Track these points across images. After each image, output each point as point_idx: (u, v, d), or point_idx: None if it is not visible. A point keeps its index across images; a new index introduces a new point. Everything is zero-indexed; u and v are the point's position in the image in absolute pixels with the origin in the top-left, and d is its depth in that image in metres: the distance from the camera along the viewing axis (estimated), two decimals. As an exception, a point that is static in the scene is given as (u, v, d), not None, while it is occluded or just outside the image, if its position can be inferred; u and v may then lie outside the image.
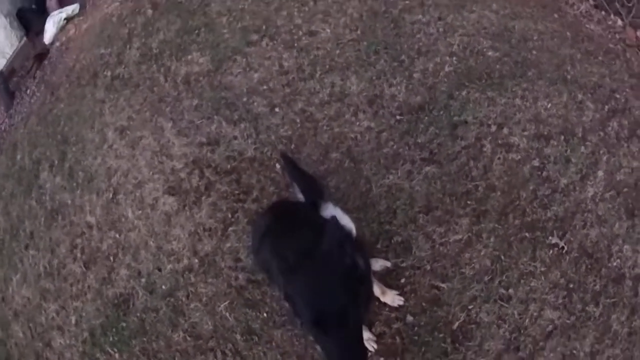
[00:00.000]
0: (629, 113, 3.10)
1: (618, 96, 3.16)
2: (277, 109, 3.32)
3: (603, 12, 3.56)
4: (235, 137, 3.26)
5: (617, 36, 3.45)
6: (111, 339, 2.97)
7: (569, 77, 3.25)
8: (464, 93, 3.22)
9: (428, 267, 2.73)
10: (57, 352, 3.07)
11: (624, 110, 3.12)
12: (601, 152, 2.99)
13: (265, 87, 3.44)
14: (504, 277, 2.70)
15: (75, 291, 3.15)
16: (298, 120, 3.26)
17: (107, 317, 3.01)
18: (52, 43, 4.84)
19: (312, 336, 2.09)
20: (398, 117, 3.20)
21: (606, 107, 3.14)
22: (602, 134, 3.04)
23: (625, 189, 2.89)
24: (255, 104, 3.37)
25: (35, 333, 3.21)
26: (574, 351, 2.57)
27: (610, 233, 2.80)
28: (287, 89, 3.41)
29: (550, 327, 2.62)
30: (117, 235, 3.18)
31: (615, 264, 2.74)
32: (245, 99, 3.38)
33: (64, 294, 3.19)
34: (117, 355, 2.93)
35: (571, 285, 2.69)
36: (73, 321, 3.10)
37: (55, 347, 3.10)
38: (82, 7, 4.64)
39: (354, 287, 1.92)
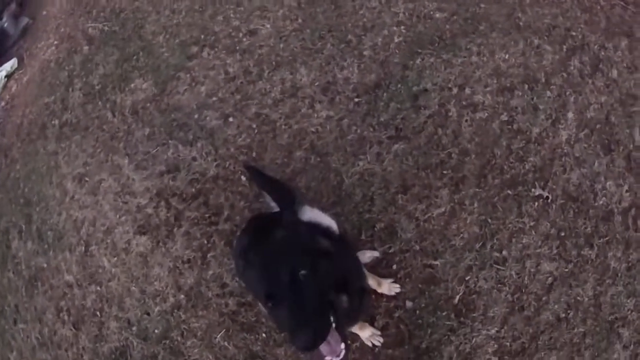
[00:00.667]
0: (587, 49, 3.06)
1: (574, 34, 3.12)
2: (230, 119, 3.23)
3: None
4: (194, 159, 3.16)
5: (565, -30, 3.36)
6: None
7: (521, 23, 3.19)
8: (418, 61, 3.15)
9: (417, 247, 2.68)
10: None
11: (582, 46, 3.08)
12: (567, 93, 2.96)
13: (214, 98, 3.34)
14: (495, 240, 2.66)
15: (72, 356, 3.05)
16: (254, 126, 3.18)
17: None
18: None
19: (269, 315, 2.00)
20: (356, 100, 3.13)
21: (564, 47, 3.09)
22: (565, 74, 3.00)
23: (598, 125, 2.87)
24: (208, 118, 3.27)
25: (44, 410, 3.09)
26: (578, 298, 2.57)
27: (591, 172, 2.78)
28: (237, 95, 3.31)
29: (550, 279, 2.61)
30: (99, 288, 3.09)
31: (601, 202, 2.73)
32: (196, 116, 3.28)
33: None
34: None
35: (562, 234, 2.67)
36: None
37: None
38: (20, 60, 4.44)
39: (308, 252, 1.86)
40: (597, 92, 2.93)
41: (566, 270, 2.61)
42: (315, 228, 2.24)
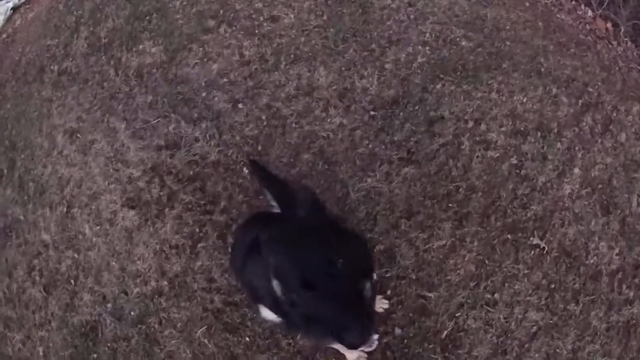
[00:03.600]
0: (601, 107, 3.00)
1: (591, 90, 3.06)
2: (240, 105, 2.99)
3: (573, 2, 3.40)
4: (196, 139, 2.91)
5: (588, 27, 3.33)
6: None
7: (542, 69, 3.10)
8: (438, 86, 3.02)
9: (413, 276, 2.58)
10: None
11: (596, 104, 3.02)
12: (576, 148, 2.90)
13: (225, 79, 3.08)
14: (489, 282, 2.59)
15: (38, 319, 2.79)
16: (264, 117, 2.96)
17: (76, 348, 2.68)
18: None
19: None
20: (372, 113, 2.97)
21: (580, 101, 3.02)
22: (576, 129, 2.94)
23: (600, 186, 2.83)
24: (216, 99, 3.02)
25: (4, 367, 2.81)
26: (557, 350, 2.53)
27: (587, 230, 2.74)
28: (250, 82, 3.07)
29: (535, 328, 2.56)
30: (76, 255, 2.82)
31: (592, 261, 2.69)
32: (204, 94, 3.02)
33: (28, 323, 2.81)
34: None
35: (552, 286, 2.63)
36: (41, 352, 2.75)
37: None
38: (29, -6, 4.01)
39: (339, 238, 1.70)
40: (604, 152, 2.89)
41: (551, 321, 2.57)
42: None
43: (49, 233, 2.91)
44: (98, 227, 2.83)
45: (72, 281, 2.80)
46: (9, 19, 3.88)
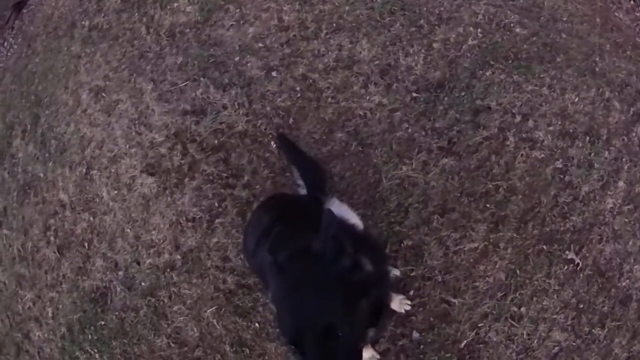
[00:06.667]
0: (653, 119, 2.54)
1: (644, 99, 2.58)
2: (274, 73, 2.54)
3: (632, 1, 2.90)
4: (224, 106, 2.49)
5: (645, 30, 2.83)
6: (90, 337, 2.41)
7: (597, 69, 2.67)
8: (488, 73, 2.57)
9: (439, 279, 2.22)
10: (37, 345, 2.49)
11: (649, 115, 2.55)
12: (624, 159, 2.52)
13: (261, 44, 2.63)
14: (517, 294, 2.26)
15: (50, 280, 2.52)
16: (298, 89, 2.52)
17: (85, 312, 2.42)
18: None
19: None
20: (414, 95, 2.53)
21: (632, 109, 2.63)
22: (625, 139, 2.55)
23: (643, 204, 2.39)
24: (249, 65, 2.57)
25: (14, 322, 2.61)
26: None
27: (624, 250, 2.40)
28: (287, 49, 2.61)
29: (557, 349, 2.27)
30: (92, 218, 2.51)
31: (624, 284, 2.37)
32: (237, 59, 2.57)
33: (40, 282, 2.55)
34: (97, 356, 2.39)
35: (581, 306, 2.32)
36: (50, 314, 2.50)
37: (34, 340, 2.51)
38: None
39: (352, 296, 1.31)
40: (651, 168, 2.45)
41: (574, 343, 2.28)
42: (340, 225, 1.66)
43: (66, 193, 2.59)
44: (116, 192, 2.50)
45: (86, 244, 2.50)
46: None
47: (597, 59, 2.76)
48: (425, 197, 2.36)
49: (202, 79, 2.59)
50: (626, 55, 2.84)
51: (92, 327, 2.39)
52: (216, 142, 2.46)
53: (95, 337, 2.38)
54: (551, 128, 2.53)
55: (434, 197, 2.36)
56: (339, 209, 1.95)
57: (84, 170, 2.58)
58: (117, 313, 2.37)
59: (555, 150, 2.49)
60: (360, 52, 2.63)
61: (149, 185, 2.43)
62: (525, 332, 2.23)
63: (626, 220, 2.44)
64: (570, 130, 2.54)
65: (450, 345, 2.19)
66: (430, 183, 2.38)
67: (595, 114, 2.59)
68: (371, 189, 2.36)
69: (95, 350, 2.37)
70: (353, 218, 1.98)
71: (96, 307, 2.40)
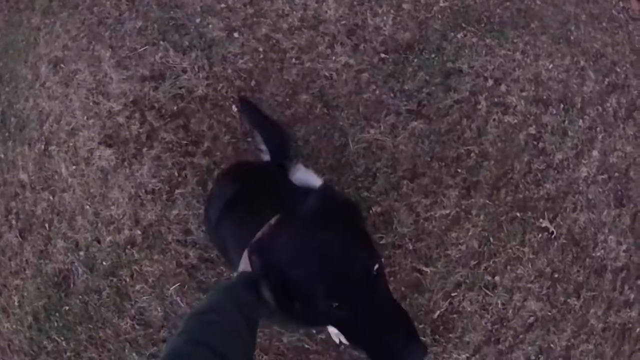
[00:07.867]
0: (627, 91, 2.54)
1: (618, 70, 2.59)
2: (236, 34, 2.36)
3: None
4: (184, 70, 2.31)
5: (621, 4, 2.79)
6: (56, 324, 2.21)
7: (572, 38, 2.58)
8: (459, 35, 2.45)
9: (410, 247, 2.08)
10: (6, 337, 2.26)
11: (623, 86, 2.56)
12: (598, 129, 2.45)
13: (223, 5, 2.44)
14: (490, 262, 2.14)
15: (14, 267, 2.30)
16: (261, 50, 2.34)
17: (49, 298, 2.22)
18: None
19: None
20: (382, 55, 2.38)
21: (606, 80, 2.55)
22: (600, 109, 2.47)
23: (617, 174, 2.40)
24: (211, 26, 2.38)
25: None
26: (551, 345, 2.18)
27: (598, 220, 2.33)
28: (250, 9, 2.43)
29: (532, 319, 2.19)
30: (51, 197, 2.29)
31: (599, 254, 2.30)
32: (198, 20, 2.38)
33: (4, 270, 2.32)
34: (64, 344, 2.18)
35: (556, 275, 2.22)
36: (16, 302, 2.28)
37: (4, 332, 2.27)
38: None
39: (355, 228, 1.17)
40: (625, 139, 2.44)
41: (549, 313, 2.20)
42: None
43: (26, 172, 2.37)
44: (74, 167, 2.29)
45: (47, 225, 2.29)
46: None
47: (572, 28, 2.68)
48: (394, 161, 2.21)
49: (161, 42, 2.39)
50: (602, 27, 2.78)
51: (57, 314, 2.19)
52: (175, 108, 2.26)
53: (61, 324, 2.18)
54: (524, 94, 2.42)
55: (403, 162, 2.21)
56: (304, 175, 1.83)
57: (43, 146, 2.37)
58: (80, 297, 2.19)
59: (528, 116, 2.39)
60: (327, 12, 2.46)
61: (107, 158, 2.23)
62: (499, 302, 2.11)
63: (600, 190, 2.35)
64: (544, 97, 2.44)
65: (424, 316, 2.06)
66: (399, 147, 2.23)
67: (569, 82, 2.50)
68: (337, 153, 2.20)
69: (62, 338, 2.17)
70: (319, 184, 1.80)
71: (60, 292, 2.21)
